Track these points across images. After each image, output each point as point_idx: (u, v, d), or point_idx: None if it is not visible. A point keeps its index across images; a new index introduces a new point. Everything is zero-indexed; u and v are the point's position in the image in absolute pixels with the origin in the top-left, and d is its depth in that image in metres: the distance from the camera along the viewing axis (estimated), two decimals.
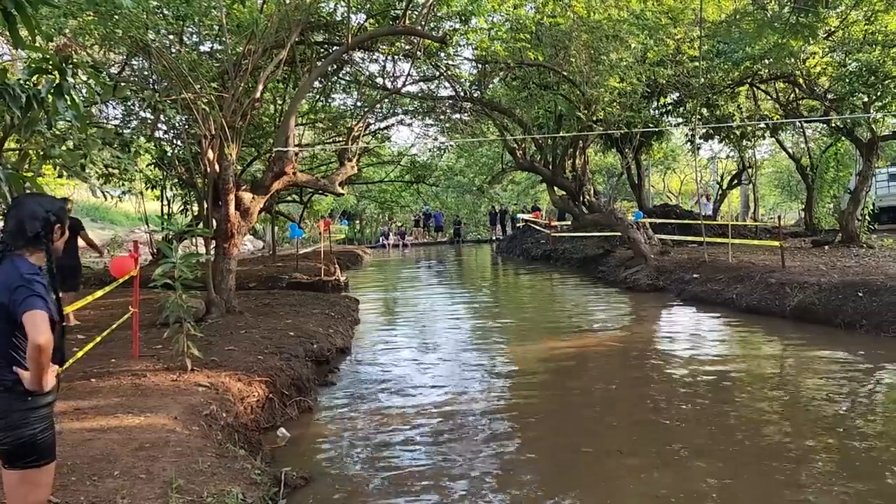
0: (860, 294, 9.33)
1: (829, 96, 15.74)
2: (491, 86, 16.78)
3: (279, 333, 8.12)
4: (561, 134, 16.50)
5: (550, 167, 18.11)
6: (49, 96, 4.24)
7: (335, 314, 10.41)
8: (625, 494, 4.34)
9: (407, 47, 13.04)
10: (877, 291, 9.24)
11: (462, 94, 15.97)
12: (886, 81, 14.26)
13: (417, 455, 5.11)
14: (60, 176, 8.28)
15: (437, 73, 15.10)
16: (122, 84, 8.47)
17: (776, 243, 12.85)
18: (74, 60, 4.51)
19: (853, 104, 14.79)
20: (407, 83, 14.96)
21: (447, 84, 15.92)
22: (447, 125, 19.11)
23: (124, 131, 9.59)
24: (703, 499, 4.19)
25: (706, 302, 11.79)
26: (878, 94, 14.52)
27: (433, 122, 19.15)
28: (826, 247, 15.71)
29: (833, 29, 15.09)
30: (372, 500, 4.39)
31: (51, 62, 4.12)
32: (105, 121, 12.63)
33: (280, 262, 19.29)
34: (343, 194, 16.08)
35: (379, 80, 15.19)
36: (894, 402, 6.03)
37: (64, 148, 5.59)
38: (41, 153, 5.22)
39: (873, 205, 18.63)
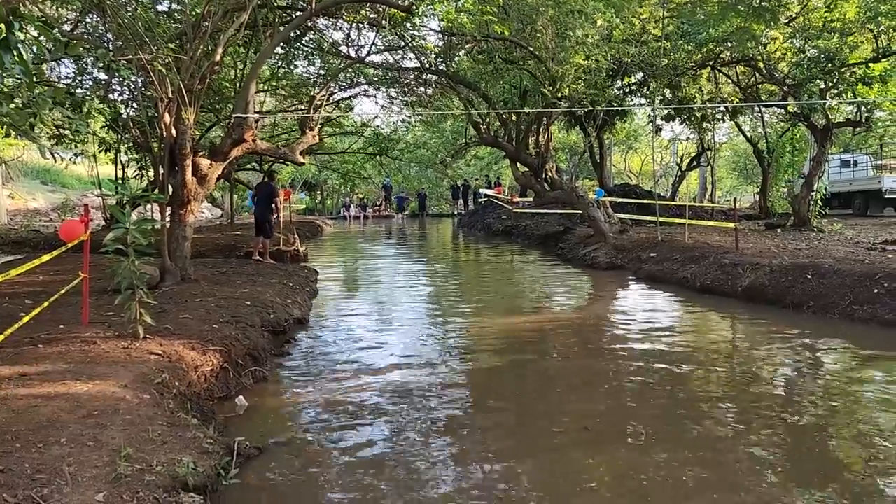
0: (809, 276, 9.59)
1: (788, 82, 16.03)
2: (457, 59, 16.65)
3: (235, 303, 8.02)
4: (525, 110, 16.50)
5: (514, 143, 18.13)
6: None
7: (293, 284, 10.32)
8: (590, 470, 4.41)
9: (372, 16, 12.84)
10: (825, 274, 9.51)
11: (427, 66, 15.82)
12: (843, 69, 14.57)
13: (373, 427, 5.11)
14: (8, 135, 7.98)
15: (403, 44, 14.91)
16: (75, 42, 8.15)
17: (731, 225, 13.12)
18: (23, 14, 4.31)
19: (810, 90, 15.08)
20: (371, 52, 14.75)
21: (412, 55, 15.76)
22: (412, 99, 18.95)
23: (76, 91, 9.27)
24: (656, 475, 4.29)
25: (662, 281, 12.00)
26: (835, 81, 14.83)
27: (397, 93, 18.96)
28: (779, 230, 16.11)
29: (794, 15, 15.32)
30: (326, 470, 4.38)
31: None
32: (56, 80, 12.20)
33: (238, 230, 19.03)
34: (304, 163, 15.84)
35: (343, 49, 14.96)
36: (835, 381, 6.24)
37: (12, 106, 5.37)
38: None
39: (825, 189, 19.13)
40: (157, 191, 9.24)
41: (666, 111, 20.26)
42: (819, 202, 16.92)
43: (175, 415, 4.53)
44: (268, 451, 4.58)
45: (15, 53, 4.11)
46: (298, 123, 14.78)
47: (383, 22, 12.69)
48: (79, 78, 11.65)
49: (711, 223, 16.76)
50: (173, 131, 9.06)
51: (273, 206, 13.38)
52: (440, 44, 15.50)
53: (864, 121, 16.44)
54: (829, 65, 14.46)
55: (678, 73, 17.37)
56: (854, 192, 23.58)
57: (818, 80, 14.88)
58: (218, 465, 4.04)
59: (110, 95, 11.26)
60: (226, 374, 5.97)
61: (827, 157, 17.85)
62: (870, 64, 14.63)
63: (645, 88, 20.11)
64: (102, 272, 8.47)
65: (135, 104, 11.10)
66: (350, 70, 16.34)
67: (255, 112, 10.97)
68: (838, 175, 24.47)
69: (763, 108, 22.09)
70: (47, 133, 11.21)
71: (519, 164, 19.13)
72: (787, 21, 15.40)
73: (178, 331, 6.38)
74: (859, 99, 15.24)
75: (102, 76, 10.88)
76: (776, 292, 9.69)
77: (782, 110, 19.33)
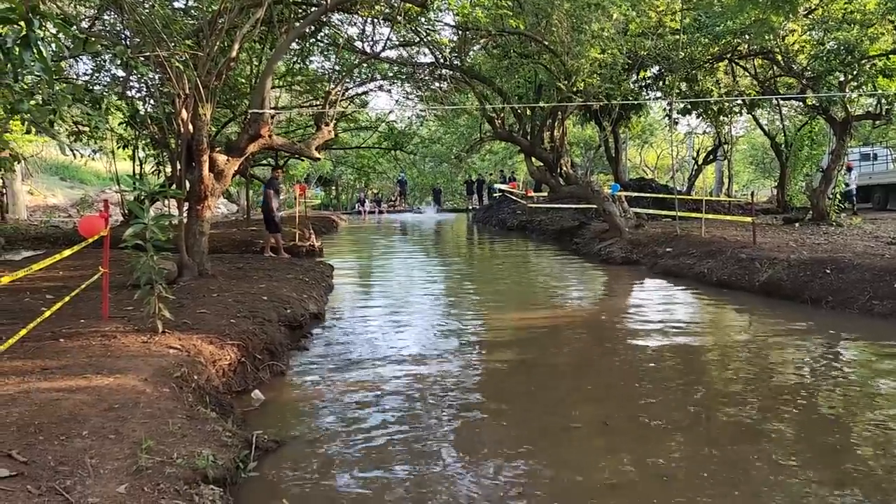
0: (828, 271, 9.50)
1: (807, 74, 15.84)
2: (471, 54, 16.61)
3: (252, 297, 8.08)
4: (540, 104, 16.45)
5: (529, 138, 18.06)
6: (15, 48, 4.11)
7: (309, 279, 10.37)
8: (610, 466, 4.41)
9: (387, 11, 12.84)
10: (843, 269, 9.41)
11: (442, 61, 15.79)
12: (863, 61, 14.38)
13: (389, 421, 5.13)
14: (29, 132, 8.04)
15: (418, 39, 14.90)
16: (93, 39, 8.21)
17: (748, 219, 13.01)
18: (42, 11, 4.35)
19: (829, 83, 14.89)
20: (386, 48, 14.76)
21: (427, 51, 15.74)
22: (426, 94, 18.93)
23: (94, 88, 9.35)
24: (678, 472, 4.28)
25: (678, 275, 11.93)
26: (854, 73, 14.63)
27: (412, 88, 18.95)
28: (797, 224, 15.95)
29: (813, 7, 15.13)
30: (343, 464, 4.41)
31: (17, 11, 3.97)
32: (75, 77, 12.30)
33: (254, 226, 19.14)
34: (319, 159, 15.89)
35: (358, 44, 14.97)
36: (854, 377, 6.18)
37: (32, 103, 5.43)
38: (9, 107, 5.06)
39: (845, 184, 18.90)
40: (174, 187, 9.30)
41: (682, 105, 20.09)
42: (838, 196, 16.72)
43: (194, 408, 4.57)
44: (286, 445, 4.61)
45: (35, 50, 4.17)
46: (314, 119, 14.81)
47: (398, 17, 12.68)
48: (97, 75, 11.76)
49: (728, 217, 16.62)
50: (190, 127, 9.11)
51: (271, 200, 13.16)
52: (455, 38, 15.47)
53: (884, 113, 16.22)
54: (849, 57, 14.27)
55: (695, 66, 17.22)
56: (874, 185, 23.28)
57: (837, 73, 14.69)
58: (237, 458, 4.08)
59: (128, 92, 11.34)
60: (243, 369, 6.02)
61: (846, 151, 17.64)
62: (890, 56, 14.43)
63: (661, 82, 19.97)
64: (122, 267, 8.57)
65: (152, 101, 11.18)
66: (365, 65, 16.36)
67: (271, 108, 11.01)
68: (857, 169, 24.14)
69: (781, 102, 21.85)
70: (66, 129, 11.31)
71: (534, 159, 19.06)
72: (805, 13, 15.22)
73: (196, 325, 6.43)
74: (879, 91, 15.03)
75: (120, 73, 10.99)
76: (794, 287, 9.60)
77: (801, 103, 19.13)
